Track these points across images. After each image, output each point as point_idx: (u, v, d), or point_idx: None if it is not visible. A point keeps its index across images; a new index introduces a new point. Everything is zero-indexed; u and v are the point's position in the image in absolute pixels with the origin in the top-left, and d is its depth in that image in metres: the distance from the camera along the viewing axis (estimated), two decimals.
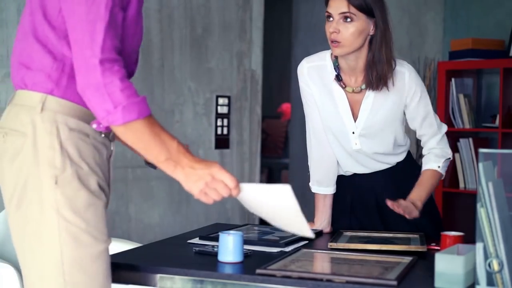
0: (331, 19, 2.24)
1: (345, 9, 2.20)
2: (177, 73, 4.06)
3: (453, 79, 4.42)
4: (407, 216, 2.25)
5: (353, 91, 2.33)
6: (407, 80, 2.33)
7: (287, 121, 6.85)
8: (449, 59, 4.51)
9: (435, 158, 2.42)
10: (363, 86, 2.32)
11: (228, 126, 4.36)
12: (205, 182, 1.66)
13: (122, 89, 1.61)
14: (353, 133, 2.37)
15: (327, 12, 2.26)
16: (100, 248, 1.73)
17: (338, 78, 2.33)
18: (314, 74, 2.37)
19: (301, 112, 5.86)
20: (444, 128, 2.48)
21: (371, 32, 2.25)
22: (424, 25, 4.87)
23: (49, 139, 1.69)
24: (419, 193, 2.34)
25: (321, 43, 5.42)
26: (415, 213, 2.26)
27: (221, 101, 4.31)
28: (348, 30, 2.21)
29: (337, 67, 2.34)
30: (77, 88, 1.64)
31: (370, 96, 2.33)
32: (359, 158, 2.43)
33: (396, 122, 2.37)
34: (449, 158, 2.46)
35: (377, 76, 2.27)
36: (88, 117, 1.74)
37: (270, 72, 6.86)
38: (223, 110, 4.33)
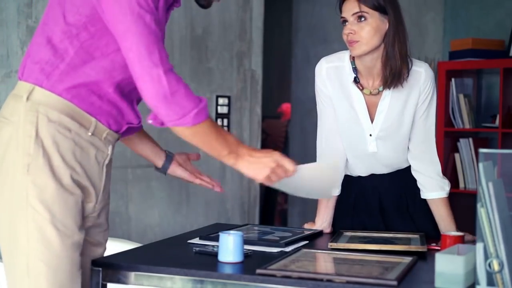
0: (346, 23, 2.25)
1: (356, 9, 2.21)
2: (177, 73, 4.06)
3: (453, 79, 4.42)
4: None
5: (370, 93, 2.33)
6: (423, 79, 2.32)
7: (287, 121, 6.84)
8: (449, 59, 4.51)
9: (441, 182, 2.41)
10: (380, 88, 2.31)
11: (228, 126, 4.36)
12: (271, 168, 1.85)
13: (186, 95, 1.74)
14: (370, 135, 2.36)
15: (341, 17, 2.26)
16: (65, 242, 1.75)
17: (356, 80, 2.33)
18: (332, 75, 2.36)
19: (301, 112, 5.84)
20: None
21: (387, 29, 2.25)
22: (424, 25, 4.87)
23: (29, 128, 1.75)
24: (452, 227, 2.38)
25: (321, 43, 5.44)
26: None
27: (221, 101, 4.31)
28: (363, 29, 2.21)
29: (354, 69, 2.33)
30: (144, 98, 1.74)
31: (386, 98, 2.32)
32: (371, 163, 2.42)
33: (411, 123, 2.36)
34: (447, 184, 2.44)
35: (392, 72, 2.26)
36: (74, 113, 1.78)
37: (270, 72, 6.86)
38: (223, 110, 4.32)
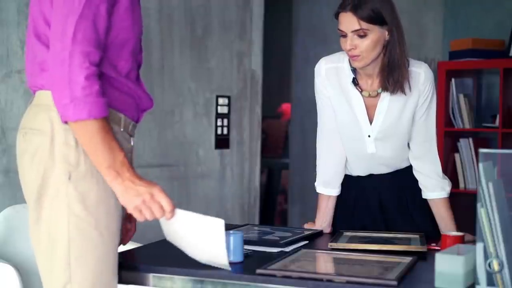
0: (344, 35, 2.22)
1: (356, 26, 2.18)
2: (177, 73, 4.06)
3: (453, 79, 4.42)
4: None
5: (369, 96, 2.33)
6: (422, 80, 2.32)
7: (287, 121, 6.84)
8: (449, 59, 4.51)
9: (441, 183, 2.41)
10: (379, 90, 2.31)
11: (228, 126, 4.36)
12: (142, 199, 1.69)
13: (83, 86, 1.62)
14: (369, 136, 2.36)
15: (339, 30, 2.23)
16: (108, 246, 1.74)
17: (355, 82, 2.33)
18: (332, 76, 2.36)
19: (301, 112, 5.84)
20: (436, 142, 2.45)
21: (387, 38, 2.24)
22: (424, 25, 4.87)
23: (65, 136, 1.71)
24: (451, 227, 2.37)
25: (321, 43, 5.44)
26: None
27: (221, 101, 4.31)
28: (364, 43, 2.20)
29: (353, 70, 2.33)
30: (49, 80, 1.66)
31: (385, 99, 2.32)
32: (370, 163, 2.42)
33: (410, 124, 2.36)
34: (448, 184, 2.44)
35: (393, 81, 2.26)
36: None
37: (270, 72, 6.86)
38: (223, 110, 4.32)
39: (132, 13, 1.77)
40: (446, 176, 2.44)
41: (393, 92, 2.28)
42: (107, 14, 1.69)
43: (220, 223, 1.72)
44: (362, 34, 2.19)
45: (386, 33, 2.23)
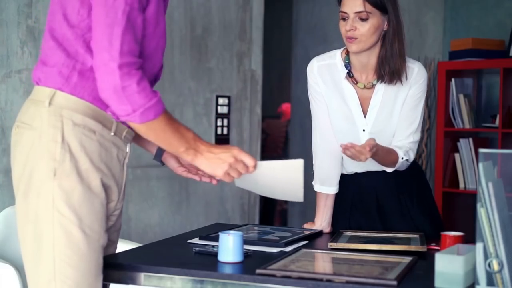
0: (346, 18, 2.26)
1: (361, 8, 2.22)
2: (177, 73, 4.06)
3: (453, 79, 4.42)
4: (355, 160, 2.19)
5: (364, 87, 2.35)
6: (414, 75, 2.34)
7: (287, 121, 6.85)
8: (449, 59, 4.51)
9: (401, 152, 2.35)
10: (374, 81, 2.33)
11: (228, 126, 4.36)
12: (229, 164, 1.82)
13: (139, 91, 1.69)
14: (364, 130, 2.37)
15: (341, 12, 2.26)
16: (92, 246, 1.75)
17: (349, 75, 2.35)
18: (324, 73, 2.38)
19: (301, 112, 5.84)
20: (419, 135, 2.41)
21: (385, 28, 2.28)
22: (424, 25, 4.87)
23: (53, 132, 1.73)
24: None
25: (321, 43, 5.45)
26: (363, 158, 2.16)
27: (221, 101, 4.31)
28: (365, 27, 2.24)
29: (348, 64, 2.34)
30: (98, 89, 1.71)
31: (379, 92, 2.34)
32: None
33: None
34: (408, 160, 2.37)
35: (390, 71, 2.29)
36: (97, 115, 1.78)
37: (270, 72, 6.86)
38: (223, 110, 4.32)
39: (155, 24, 1.84)
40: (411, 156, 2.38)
41: (390, 82, 2.30)
42: (142, 25, 1.76)
43: (300, 162, 1.87)
44: (364, 18, 2.23)
45: (386, 22, 2.26)
